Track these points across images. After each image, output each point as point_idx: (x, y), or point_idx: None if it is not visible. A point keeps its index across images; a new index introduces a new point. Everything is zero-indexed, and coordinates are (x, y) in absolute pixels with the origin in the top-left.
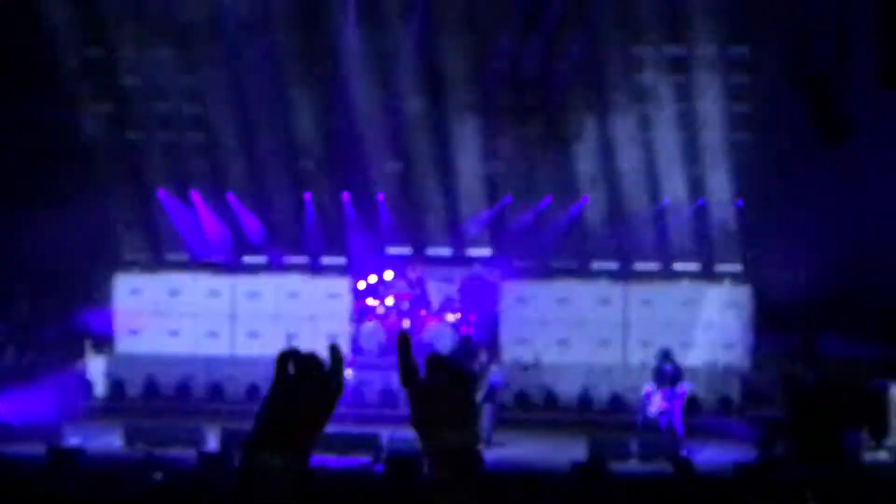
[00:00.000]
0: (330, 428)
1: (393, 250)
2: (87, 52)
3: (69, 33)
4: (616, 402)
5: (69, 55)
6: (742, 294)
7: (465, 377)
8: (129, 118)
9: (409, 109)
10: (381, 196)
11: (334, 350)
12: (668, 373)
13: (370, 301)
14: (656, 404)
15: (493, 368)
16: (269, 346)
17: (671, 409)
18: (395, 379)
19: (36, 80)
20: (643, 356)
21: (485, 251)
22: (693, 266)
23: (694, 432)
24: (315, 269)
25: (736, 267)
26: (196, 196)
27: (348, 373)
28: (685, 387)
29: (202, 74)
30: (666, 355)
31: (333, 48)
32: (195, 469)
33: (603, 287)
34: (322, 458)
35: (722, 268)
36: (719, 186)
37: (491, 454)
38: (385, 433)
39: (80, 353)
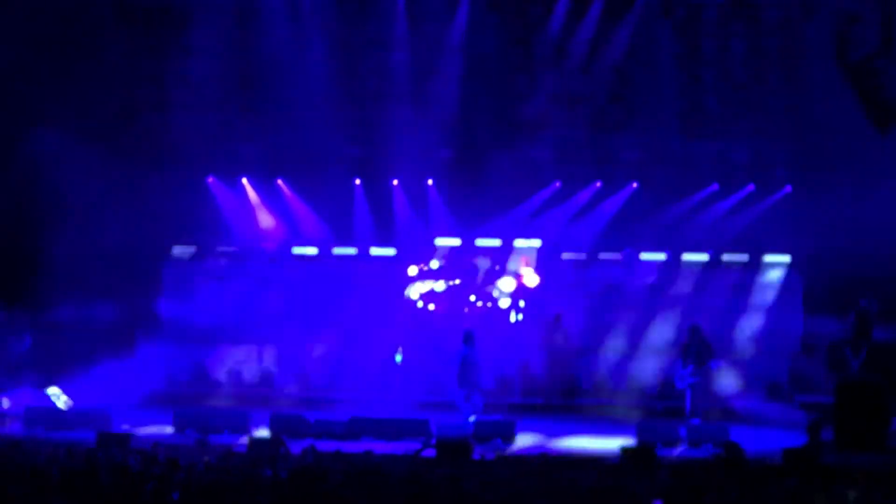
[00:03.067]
0: (380, 414)
1: (442, 241)
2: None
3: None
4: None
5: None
6: (792, 280)
7: None
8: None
9: (457, 96)
10: (430, 182)
11: None
12: (695, 348)
13: (420, 287)
14: (684, 378)
15: None
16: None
17: (697, 383)
18: (442, 364)
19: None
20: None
21: (534, 241)
22: (742, 253)
23: (743, 416)
24: (364, 256)
25: (786, 253)
26: (246, 183)
27: (397, 357)
28: (714, 363)
29: (252, 60)
30: (695, 332)
31: (382, 35)
32: (245, 454)
33: None
34: (373, 444)
35: (771, 253)
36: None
37: (539, 439)
38: (434, 418)
39: (132, 340)
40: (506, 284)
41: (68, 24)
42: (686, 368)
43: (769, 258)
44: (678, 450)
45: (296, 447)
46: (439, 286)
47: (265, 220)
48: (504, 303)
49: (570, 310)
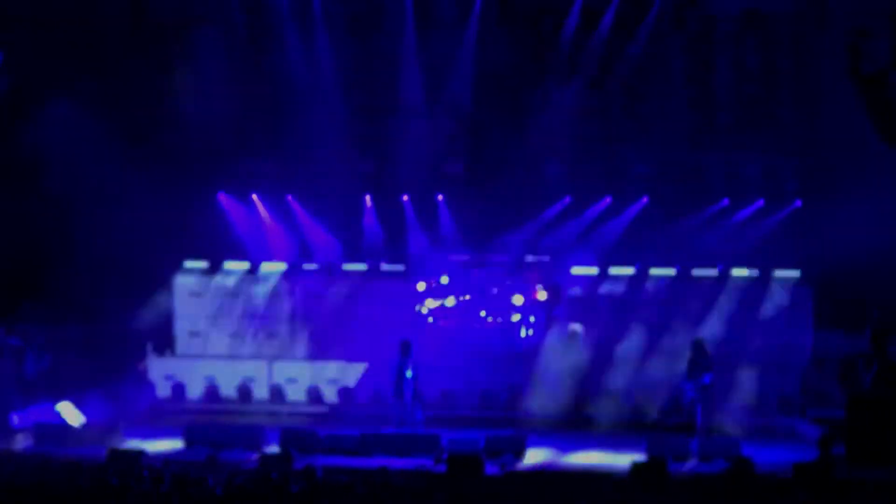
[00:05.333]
0: (391, 429)
1: (453, 256)
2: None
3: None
4: None
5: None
6: (802, 294)
7: None
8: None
9: (468, 110)
10: (440, 198)
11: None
12: (699, 364)
13: (430, 303)
14: (686, 393)
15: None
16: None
17: (698, 399)
18: (453, 379)
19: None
20: None
21: (544, 256)
22: (753, 267)
23: (754, 431)
24: (374, 271)
25: (796, 267)
26: (256, 199)
27: (408, 373)
28: (707, 376)
29: (262, 77)
30: (698, 347)
31: (392, 50)
32: (256, 470)
33: None
34: (385, 459)
35: (782, 268)
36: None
37: (549, 454)
38: (445, 433)
39: (142, 355)
40: (516, 299)
41: (82, 38)
42: (688, 383)
43: (779, 273)
44: (689, 465)
45: (305, 463)
46: (449, 302)
47: (271, 229)
48: (514, 318)
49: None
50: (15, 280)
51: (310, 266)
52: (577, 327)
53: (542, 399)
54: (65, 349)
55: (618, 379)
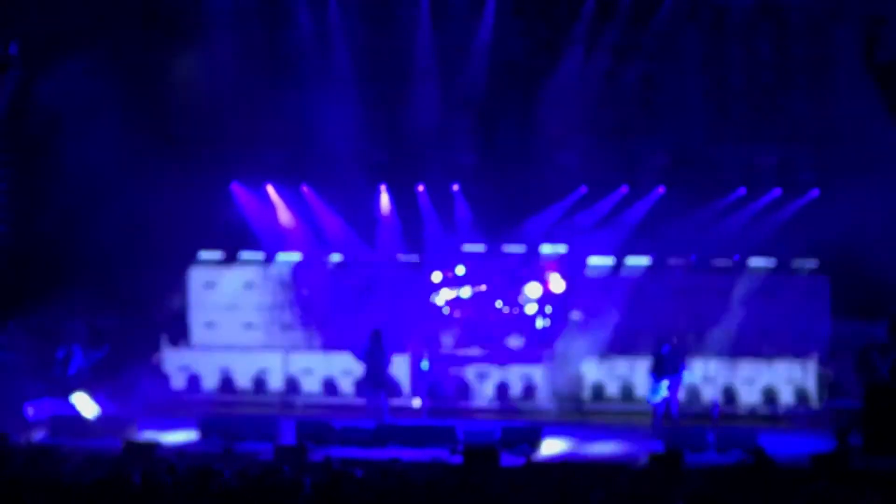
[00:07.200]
0: (407, 421)
1: (468, 246)
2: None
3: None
4: None
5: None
6: (819, 284)
7: None
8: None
9: (483, 99)
10: (455, 188)
11: None
12: (669, 360)
13: (446, 293)
14: (661, 392)
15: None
16: (344, 338)
17: (671, 398)
18: (469, 371)
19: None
20: None
21: (560, 246)
22: (769, 257)
23: (771, 421)
24: (389, 261)
25: (813, 257)
26: (271, 189)
27: (423, 364)
28: (682, 373)
29: (276, 65)
30: (666, 342)
31: (407, 40)
32: (271, 462)
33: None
34: (400, 451)
35: (799, 258)
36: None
37: (566, 445)
38: (461, 425)
39: (156, 347)
40: (532, 290)
41: (93, 26)
42: (659, 381)
43: (796, 262)
44: (706, 456)
45: (322, 455)
46: (465, 292)
47: (285, 219)
48: (530, 309)
49: (595, 315)
50: (27, 274)
51: (326, 256)
52: (576, 315)
53: (557, 390)
54: (77, 341)
55: (633, 369)
